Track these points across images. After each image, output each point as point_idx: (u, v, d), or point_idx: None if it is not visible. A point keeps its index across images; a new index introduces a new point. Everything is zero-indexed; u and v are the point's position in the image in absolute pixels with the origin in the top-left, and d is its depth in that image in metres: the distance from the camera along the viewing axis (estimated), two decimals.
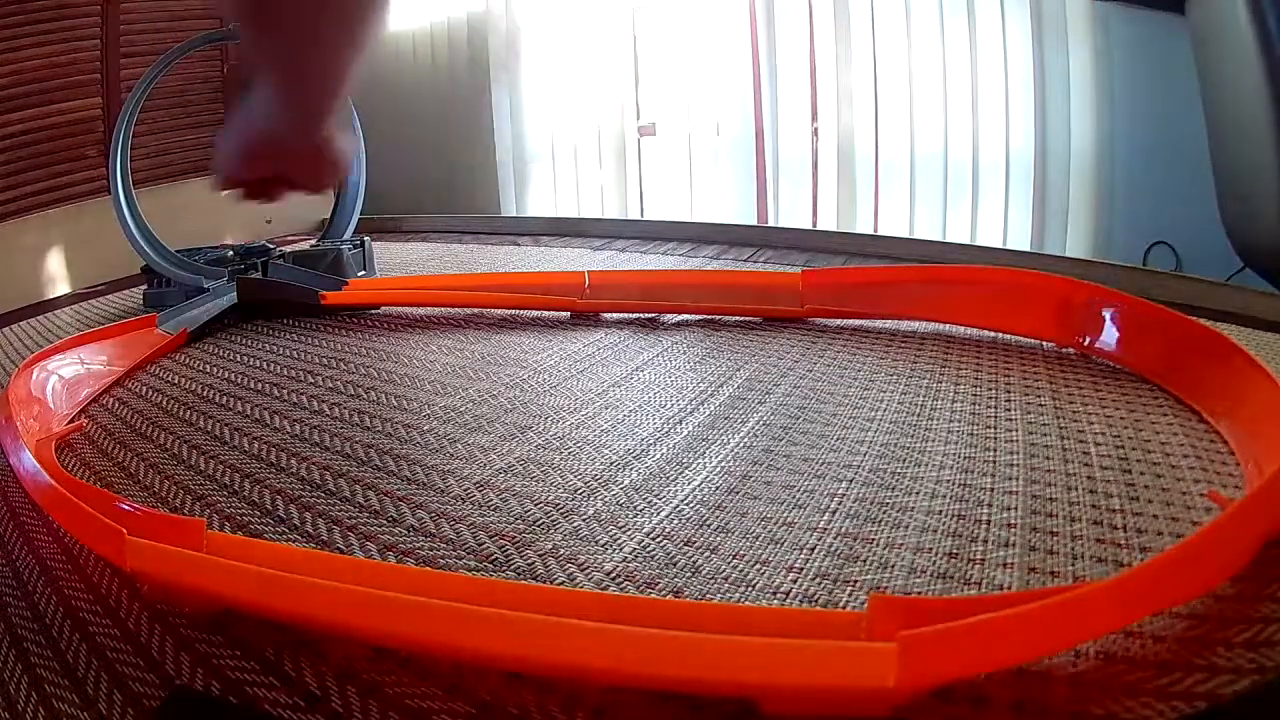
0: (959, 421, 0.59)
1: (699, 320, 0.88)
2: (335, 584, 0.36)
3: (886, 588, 0.40)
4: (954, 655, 0.30)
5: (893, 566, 0.42)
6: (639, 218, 1.68)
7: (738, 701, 0.33)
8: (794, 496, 0.50)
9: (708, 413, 0.63)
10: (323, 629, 0.38)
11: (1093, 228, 1.26)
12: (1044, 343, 0.72)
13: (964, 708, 0.31)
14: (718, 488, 0.51)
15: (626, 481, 0.53)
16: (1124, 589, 0.32)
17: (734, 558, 0.43)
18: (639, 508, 0.50)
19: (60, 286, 1.35)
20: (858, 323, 0.83)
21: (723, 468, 0.54)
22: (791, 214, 1.51)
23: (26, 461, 0.54)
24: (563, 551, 0.45)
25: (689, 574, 0.42)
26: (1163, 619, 0.35)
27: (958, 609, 0.34)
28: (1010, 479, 0.50)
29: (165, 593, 0.41)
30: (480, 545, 0.47)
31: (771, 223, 1.51)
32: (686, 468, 0.54)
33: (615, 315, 0.92)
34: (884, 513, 0.47)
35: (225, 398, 0.75)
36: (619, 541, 0.46)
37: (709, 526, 0.47)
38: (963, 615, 0.30)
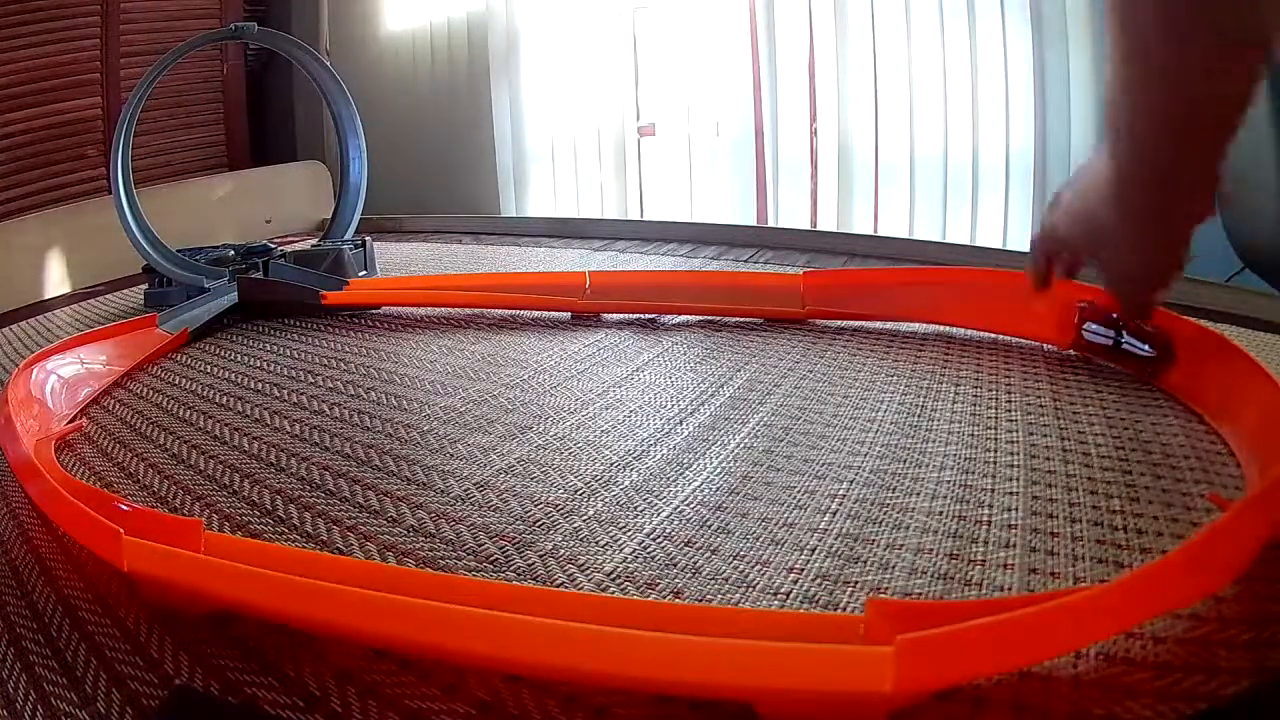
0: (959, 422, 0.59)
1: (699, 321, 0.88)
2: (334, 585, 0.36)
3: (887, 589, 0.40)
4: (952, 659, 0.29)
5: (893, 567, 0.42)
6: (639, 218, 1.68)
7: (736, 703, 0.33)
8: (795, 497, 0.50)
9: (708, 413, 0.63)
10: (321, 630, 0.38)
11: None
12: (1044, 344, 0.72)
13: (963, 707, 0.31)
14: (718, 488, 0.51)
15: (627, 482, 0.53)
16: (1124, 594, 0.32)
17: (734, 558, 0.43)
18: (639, 508, 0.50)
19: (60, 286, 1.34)
20: (858, 324, 0.83)
21: (723, 468, 0.54)
22: (791, 214, 1.51)
23: (25, 461, 0.54)
24: (563, 552, 0.45)
25: (689, 575, 0.42)
26: (1163, 620, 0.35)
27: (956, 612, 0.34)
28: (1011, 480, 0.50)
29: (163, 593, 0.41)
30: (480, 546, 0.47)
31: (771, 223, 1.51)
32: (687, 468, 0.54)
33: (616, 316, 0.92)
34: (885, 514, 0.47)
35: (225, 398, 0.75)
36: (619, 542, 0.46)
37: (709, 527, 0.47)
38: (961, 618, 0.30)
